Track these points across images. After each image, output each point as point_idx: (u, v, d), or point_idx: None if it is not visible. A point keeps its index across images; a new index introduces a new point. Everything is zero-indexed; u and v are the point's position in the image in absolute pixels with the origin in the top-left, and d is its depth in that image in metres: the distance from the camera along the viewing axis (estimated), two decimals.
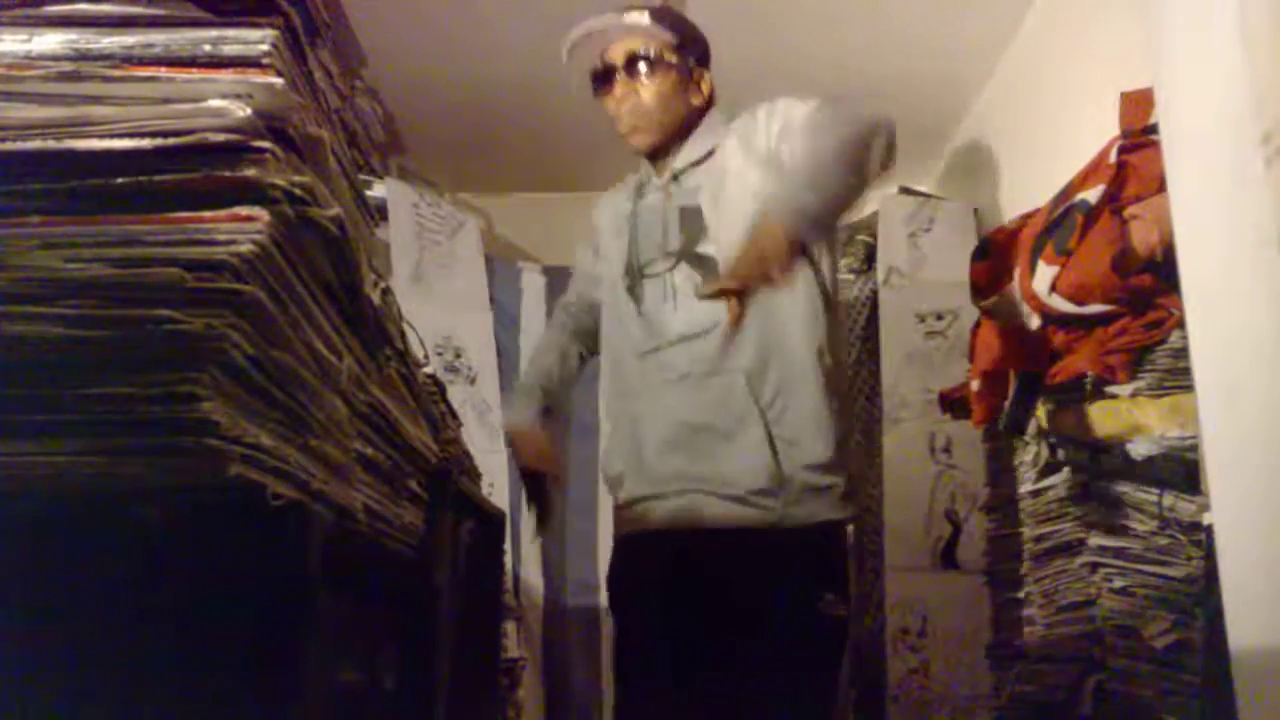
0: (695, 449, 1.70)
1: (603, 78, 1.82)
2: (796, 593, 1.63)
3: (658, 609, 1.75)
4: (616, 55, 1.79)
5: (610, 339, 1.87)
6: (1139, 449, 1.79)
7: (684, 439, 1.71)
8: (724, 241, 1.68)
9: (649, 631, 1.76)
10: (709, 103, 1.87)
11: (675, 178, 1.82)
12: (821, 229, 1.60)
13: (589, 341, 1.99)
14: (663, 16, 1.84)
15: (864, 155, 1.60)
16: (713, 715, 1.66)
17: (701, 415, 1.70)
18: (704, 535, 1.68)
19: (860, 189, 1.62)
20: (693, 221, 1.76)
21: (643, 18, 1.80)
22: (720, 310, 1.52)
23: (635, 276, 1.80)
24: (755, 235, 1.51)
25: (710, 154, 1.80)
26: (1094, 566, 1.84)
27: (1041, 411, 2.06)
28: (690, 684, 1.69)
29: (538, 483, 1.91)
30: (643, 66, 1.78)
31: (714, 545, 1.67)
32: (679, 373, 1.72)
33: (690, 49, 1.84)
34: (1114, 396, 1.86)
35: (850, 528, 1.78)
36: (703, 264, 1.73)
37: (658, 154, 1.84)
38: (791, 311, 1.71)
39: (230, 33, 0.82)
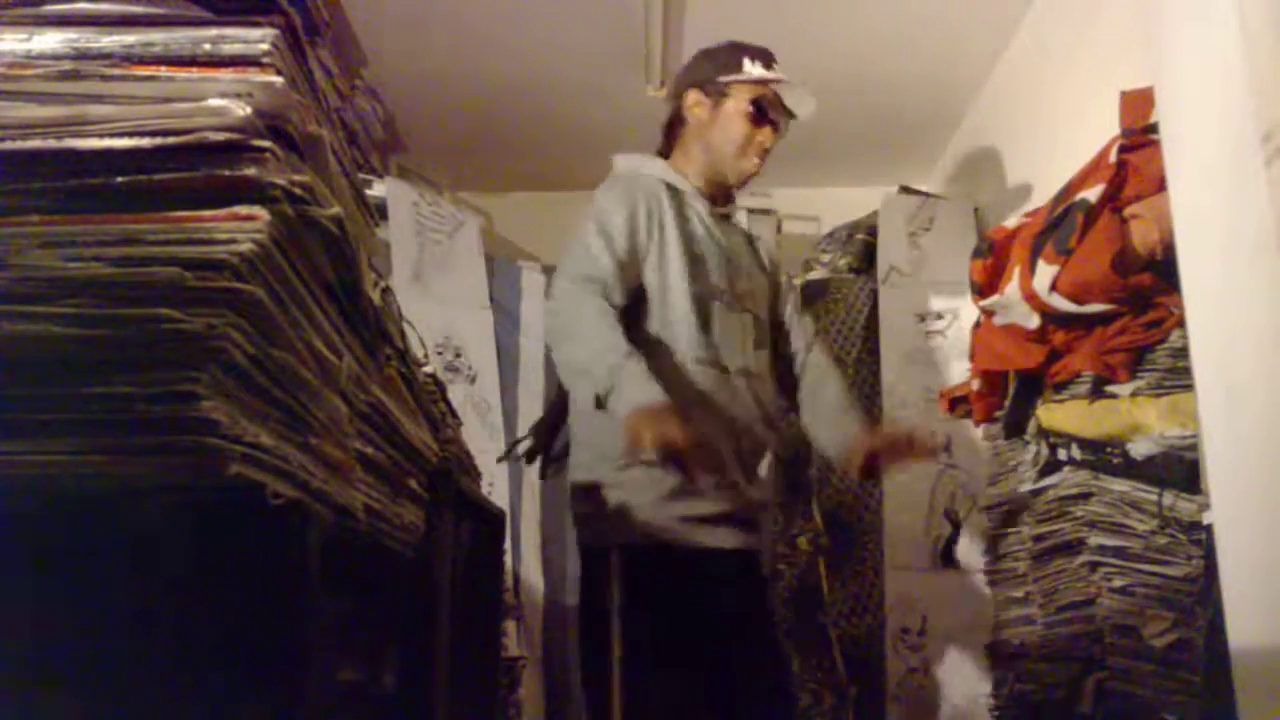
0: None
1: (768, 116, 1.96)
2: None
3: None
4: (802, 109, 1.98)
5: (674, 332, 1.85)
6: (1139, 448, 1.79)
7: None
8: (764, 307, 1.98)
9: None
10: None
11: (724, 218, 2.00)
12: None
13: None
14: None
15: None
16: None
17: None
18: None
19: None
20: (745, 279, 1.96)
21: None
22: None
23: (705, 291, 1.87)
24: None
25: (730, 216, 2.05)
26: (1094, 566, 1.84)
27: (1041, 411, 2.06)
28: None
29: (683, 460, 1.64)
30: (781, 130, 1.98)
31: None
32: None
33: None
34: (1114, 396, 1.86)
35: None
36: (757, 323, 1.95)
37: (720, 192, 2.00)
38: None
39: (230, 32, 0.82)
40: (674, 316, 1.83)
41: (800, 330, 2.07)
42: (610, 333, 1.69)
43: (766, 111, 1.95)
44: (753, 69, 1.95)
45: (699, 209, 1.93)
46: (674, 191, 1.92)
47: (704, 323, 1.83)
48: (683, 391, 1.76)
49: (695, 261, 1.86)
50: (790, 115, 1.97)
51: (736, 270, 1.93)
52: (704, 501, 1.76)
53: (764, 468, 1.92)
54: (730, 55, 1.98)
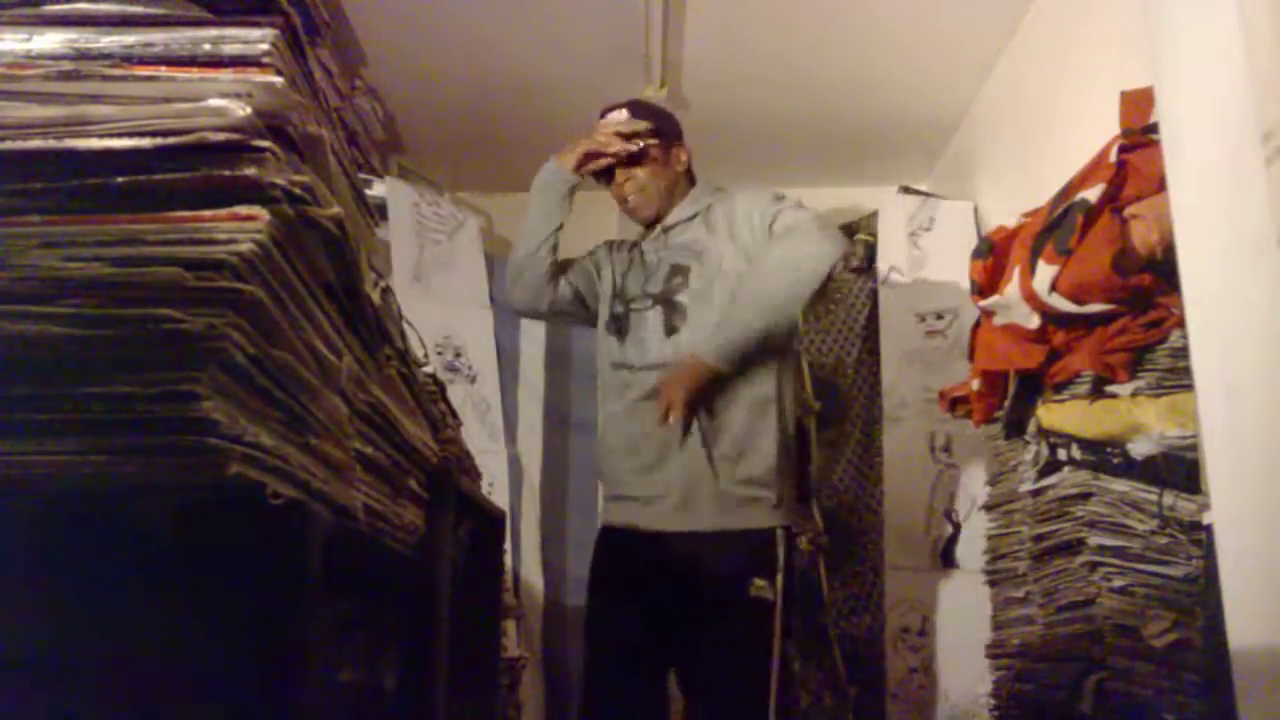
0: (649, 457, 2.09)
1: (606, 172, 2.25)
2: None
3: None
4: (601, 153, 2.21)
5: (598, 351, 2.26)
6: (1139, 448, 1.79)
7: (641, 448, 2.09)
8: (699, 295, 2.11)
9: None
10: (688, 170, 2.29)
11: (665, 231, 2.23)
12: (741, 363, 2.03)
13: (552, 261, 2.30)
14: (637, 109, 2.27)
15: (797, 300, 2.07)
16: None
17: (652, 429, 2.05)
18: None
19: (785, 328, 2.09)
20: (677, 275, 2.15)
21: (621, 114, 2.23)
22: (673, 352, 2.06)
23: (624, 307, 2.20)
24: (677, 373, 2.00)
25: (695, 216, 2.21)
26: (1094, 566, 1.84)
27: (1041, 411, 2.06)
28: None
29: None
30: (627, 162, 2.21)
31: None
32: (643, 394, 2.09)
33: (661, 125, 2.26)
34: (1114, 396, 1.86)
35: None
36: (674, 309, 2.13)
37: (653, 223, 2.25)
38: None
39: (230, 32, 0.82)
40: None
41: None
42: None
43: (603, 176, 2.28)
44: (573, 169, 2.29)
45: (650, 236, 2.26)
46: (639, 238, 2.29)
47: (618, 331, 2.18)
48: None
49: (617, 281, 2.24)
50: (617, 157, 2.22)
51: (649, 273, 2.20)
52: None
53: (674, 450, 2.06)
54: None
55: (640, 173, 2.21)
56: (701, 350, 2.00)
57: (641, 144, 2.19)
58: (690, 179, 2.29)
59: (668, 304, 2.13)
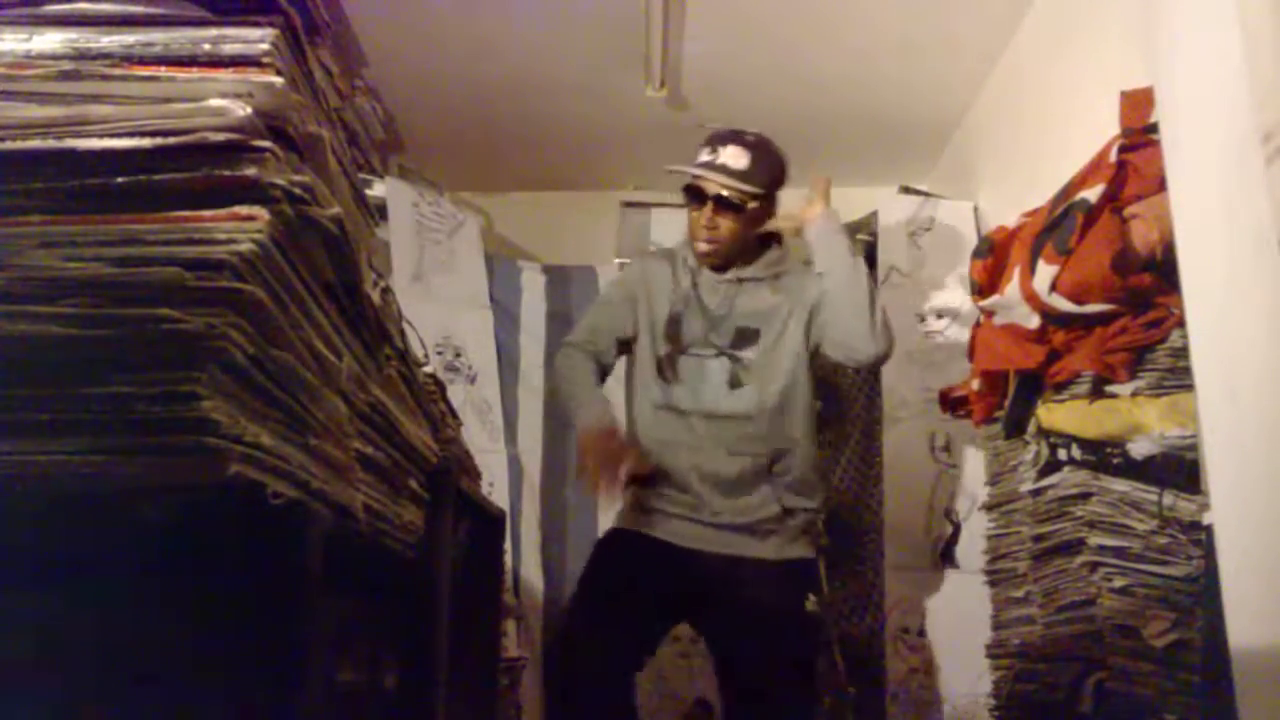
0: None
1: (695, 196, 2.16)
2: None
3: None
4: (710, 188, 2.12)
5: (639, 386, 2.23)
6: (1139, 448, 1.79)
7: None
8: (765, 354, 2.15)
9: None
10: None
11: (740, 282, 2.20)
12: (835, 243, 2.21)
13: (601, 373, 2.28)
14: (759, 160, 2.14)
15: (877, 321, 2.12)
16: None
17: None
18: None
19: (870, 315, 2.13)
20: (745, 336, 2.17)
21: (740, 160, 2.12)
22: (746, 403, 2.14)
23: (676, 348, 2.18)
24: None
25: (764, 279, 2.20)
26: (1094, 566, 1.84)
27: (1041, 411, 2.06)
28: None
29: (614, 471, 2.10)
30: (728, 207, 2.13)
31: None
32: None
33: (772, 187, 2.17)
34: (1114, 396, 1.86)
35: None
36: (740, 364, 2.15)
37: (719, 267, 2.21)
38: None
39: (230, 32, 0.82)
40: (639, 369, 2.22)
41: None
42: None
43: (691, 196, 2.16)
44: (695, 159, 2.17)
45: (712, 279, 2.20)
46: (691, 271, 2.22)
47: (661, 372, 2.17)
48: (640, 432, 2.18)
49: (672, 321, 2.19)
50: (717, 193, 2.13)
51: (714, 323, 2.18)
52: None
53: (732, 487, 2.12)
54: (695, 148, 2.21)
55: (727, 224, 2.14)
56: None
57: (739, 201, 2.12)
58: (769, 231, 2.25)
59: (734, 360, 2.16)
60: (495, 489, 3.00)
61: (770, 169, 2.16)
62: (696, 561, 2.10)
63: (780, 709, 2.05)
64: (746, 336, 2.18)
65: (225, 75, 0.80)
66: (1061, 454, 1.99)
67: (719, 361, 2.16)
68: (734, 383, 2.15)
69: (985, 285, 2.18)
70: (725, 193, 2.10)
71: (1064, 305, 1.88)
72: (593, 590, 2.16)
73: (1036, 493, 2.10)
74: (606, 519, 2.72)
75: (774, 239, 2.25)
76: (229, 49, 0.82)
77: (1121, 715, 1.74)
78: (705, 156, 2.14)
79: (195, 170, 0.74)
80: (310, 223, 0.80)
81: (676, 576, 2.10)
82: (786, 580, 2.12)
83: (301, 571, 0.79)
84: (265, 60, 0.81)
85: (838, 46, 3.07)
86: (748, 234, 2.17)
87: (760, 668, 2.05)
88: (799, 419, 2.17)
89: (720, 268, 2.20)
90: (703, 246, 2.16)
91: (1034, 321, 2.01)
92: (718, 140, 2.15)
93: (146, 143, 0.74)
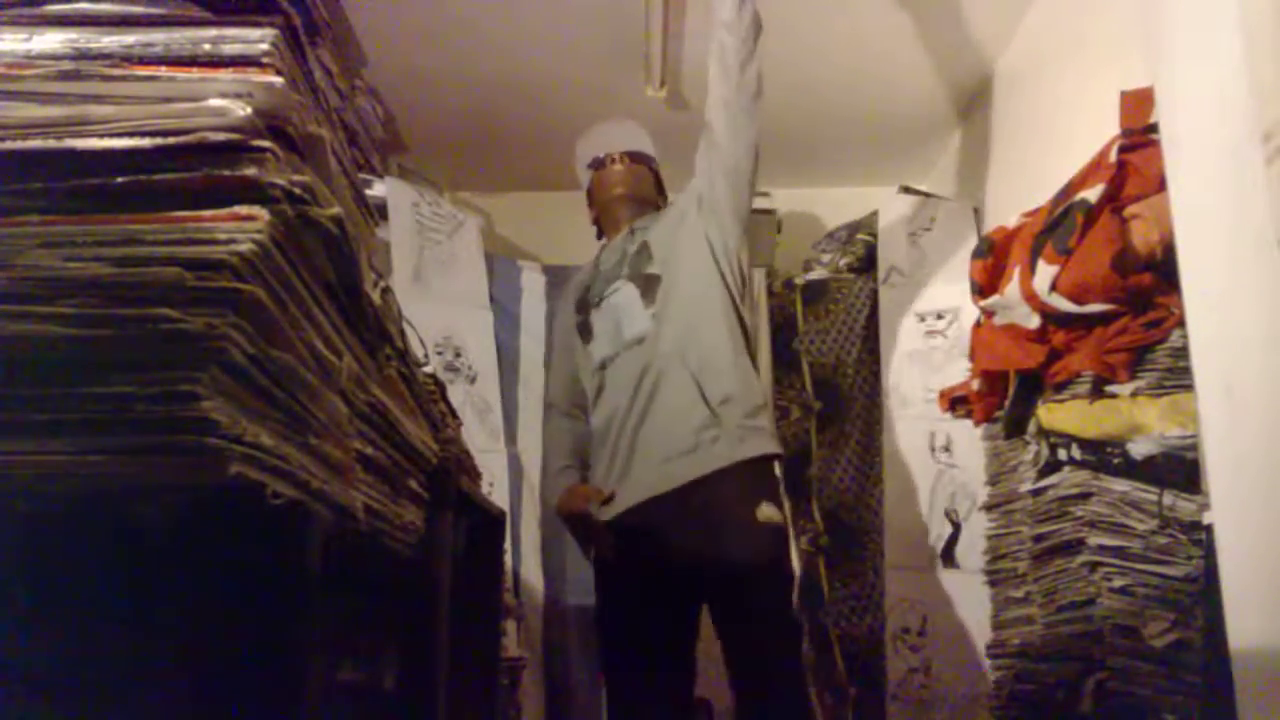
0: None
1: (602, 162, 2.41)
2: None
3: None
4: (614, 149, 2.43)
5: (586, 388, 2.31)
6: (1139, 448, 1.79)
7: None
8: (666, 262, 2.17)
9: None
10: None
11: (632, 231, 2.30)
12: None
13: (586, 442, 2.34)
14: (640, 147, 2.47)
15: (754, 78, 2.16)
16: None
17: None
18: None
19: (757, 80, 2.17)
20: (642, 252, 2.22)
21: (626, 143, 2.45)
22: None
23: (586, 313, 2.26)
24: None
25: (655, 218, 2.33)
26: (1094, 566, 1.84)
27: (1041, 411, 2.06)
28: None
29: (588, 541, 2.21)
30: (634, 158, 2.43)
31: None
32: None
33: (656, 165, 2.46)
34: (1114, 396, 1.86)
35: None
36: (648, 282, 2.16)
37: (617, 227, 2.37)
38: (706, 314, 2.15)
39: (230, 32, 0.82)
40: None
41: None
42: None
43: (600, 164, 2.44)
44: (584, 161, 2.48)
45: (597, 254, 2.39)
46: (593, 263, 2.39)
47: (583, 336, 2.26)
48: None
49: (580, 290, 2.33)
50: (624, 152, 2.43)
51: (614, 267, 2.26)
52: None
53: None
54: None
55: (639, 167, 2.42)
56: None
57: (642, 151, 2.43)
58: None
59: (638, 278, 2.18)
60: (495, 489, 3.00)
61: (646, 157, 2.45)
62: (660, 513, 2.03)
63: (754, 634, 1.98)
64: (642, 253, 2.22)
65: (225, 75, 0.80)
66: (1061, 454, 1.99)
67: (626, 287, 2.18)
68: (648, 299, 2.14)
69: (985, 285, 2.18)
70: (626, 148, 2.39)
71: (1064, 305, 1.88)
72: (610, 644, 2.20)
73: (1036, 493, 2.10)
74: None
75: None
76: (229, 49, 0.82)
77: (1121, 715, 1.74)
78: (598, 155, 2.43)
79: (195, 170, 0.74)
80: (310, 223, 0.80)
81: (657, 555, 2.04)
82: (730, 487, 1.99)
83: (301, 571, 0.79)
84: (265, 60, 0.81)
85: (838, 46, 3.07)
86: (647, 191, 2.40)
87: (721, 584, 1.99)
88: (716, 329, 2.10)
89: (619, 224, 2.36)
90: (618, 190, 2.36)
91: (1034, 321, 2.01)
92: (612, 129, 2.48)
93: (146, 143, 0.74)
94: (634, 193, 2.37)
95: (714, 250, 2.17)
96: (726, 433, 2.01)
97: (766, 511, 1.97)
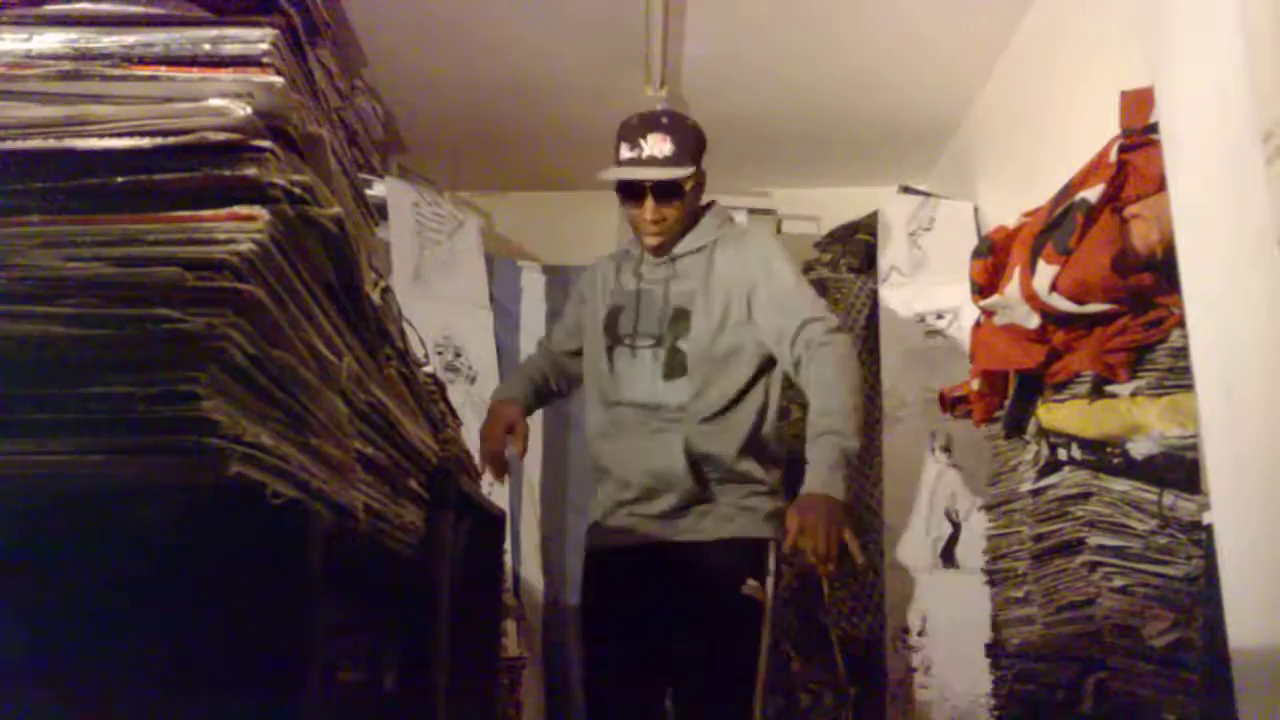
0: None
1: (631, 194, 2.14)
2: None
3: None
4: (647, 182, 2.11)
5: (587, 383, 2.27)
6: (1139, 448, 1.79)
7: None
8: (700, 341, 2.10)
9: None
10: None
11: (673, 260, 2.18)
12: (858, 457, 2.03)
13: (561, 377, 2.40)
14: (681, 140, 2.11)
15: (858, 368, 2.08)
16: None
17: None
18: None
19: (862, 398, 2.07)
20: (680, 320, 2.14)
21: (664, 147, 2.10)
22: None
23: (616, 342, 2.18)
24: (814, 518, 1.86)
25: (702, 249, 2.17)
26: (1094, 566, 1.84)
27: (1041, 411, 2.05)
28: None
29: (498, 455, 2.24)
30: (669, 195, 2.12)
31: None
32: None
33: (698, 159, 2.16)
34: (1114, 396, 1.86)
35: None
36: (675, 355, 2.11)
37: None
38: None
39: (230, 32, 0.82)
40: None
41: (778, 328, 2.08)
42: None
43: (628, 194, 2.15)
44: (618, 157, 2.15)
45: (652, 262, 2.21)
46: (635, 263, 2.23)
47: (602, 367, 2.18)
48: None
49: (610, 314, 2.20)
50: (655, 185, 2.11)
51: (649, 311, 2.17)
52: None
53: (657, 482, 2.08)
54: (614, 145, 2.17)
55: (673, 212, 2.13)
56: (826, 487, 1.90)
57: (676, 186, 2.11)
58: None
59: (670, 350, 2.12)
60: (495, 489, 3.00)
61: (693, 143, 2.14)
62: (647, 557, 2.08)
63: (708, 700, 2.00)
64: (681, 319, 2.13)
65: (225, 75, 0.80)
66: (1061, 454, 1.99)
67: (651, 352, 2.14)
68: (669, 374, 2.10)
69: (985, 285, 2.18)
70: (663, 179, 2.10)
71: (1064, 305, 1.88)
72: (590, 640, 2.24)
73: (1036, 493, 2.10)
74: None
75: (707, 207, 2.25)
76: (229, 49, 0.82)
77: (1121, 715, 1.74)
78: (629, 153, 2.11)
79: (195, 170, 0.74)
80: (310, 223, 0.80)
81: (639, 581, 2.07)
82: (721, 559, 2.02)
83: (301, 571, 0.79)
84: (265, 60, 0.81)
85: (838, 47, 3.08)
86: (687, 216, 2.17)
87: (689, 650, 2.00)
88: (740, 430, 2.07)
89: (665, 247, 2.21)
90: (652, 240, 2.16)
91: (1034, 321, 2.01)
92: (635, 133, 2.12)
93: (146, 143, 0.74)
94: (666, 238, 2.17)
95: (751, 347, 2.13)
96: (717, 509, 2.06)
97: (751, 585, 2.01)
